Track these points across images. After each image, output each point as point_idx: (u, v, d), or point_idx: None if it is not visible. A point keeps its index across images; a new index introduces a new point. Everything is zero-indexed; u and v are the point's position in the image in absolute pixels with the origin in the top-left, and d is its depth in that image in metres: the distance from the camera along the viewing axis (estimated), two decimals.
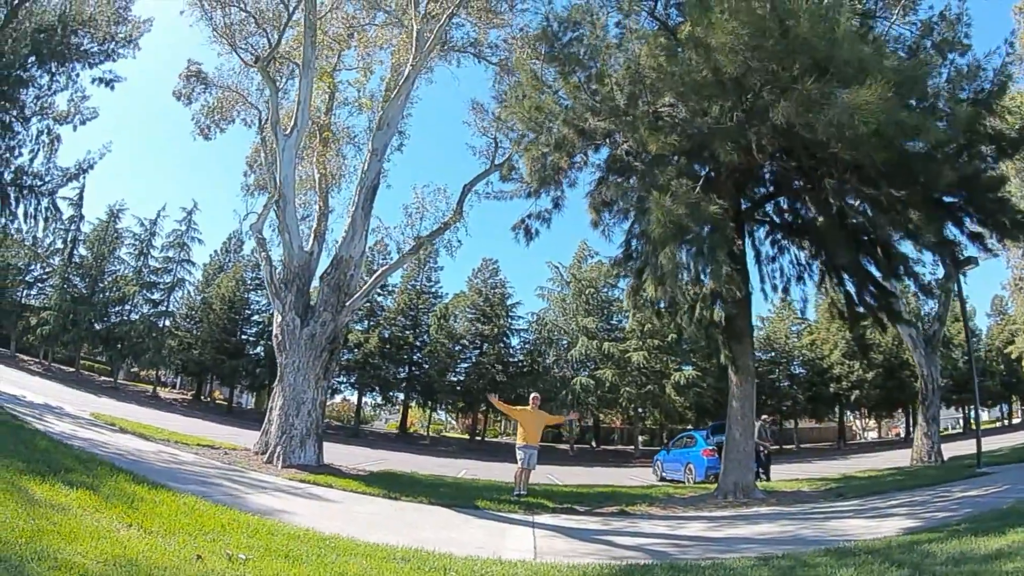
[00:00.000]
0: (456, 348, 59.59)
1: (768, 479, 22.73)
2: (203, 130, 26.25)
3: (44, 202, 32.37)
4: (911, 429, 49.07)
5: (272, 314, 21.86)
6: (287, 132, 20.66)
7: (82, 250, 64.95)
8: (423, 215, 22.85)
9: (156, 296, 65.86)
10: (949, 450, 28.93)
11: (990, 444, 29.15)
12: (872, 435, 76.46)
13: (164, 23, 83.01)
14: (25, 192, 31.49)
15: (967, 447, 29.51)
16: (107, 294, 64.91)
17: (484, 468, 31.05)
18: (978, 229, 17.03)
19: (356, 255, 20.60)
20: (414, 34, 21.45)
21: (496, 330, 58.80)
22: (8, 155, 30.76)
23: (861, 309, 19.83)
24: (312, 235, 22.69)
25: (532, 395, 17.33)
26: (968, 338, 24.57)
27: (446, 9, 21.35)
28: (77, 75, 32.29)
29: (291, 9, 21.26)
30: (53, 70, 31.19)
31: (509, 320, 60.67)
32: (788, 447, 56.80)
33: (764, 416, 25.33)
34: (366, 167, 21.06)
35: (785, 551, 8.95)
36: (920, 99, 15.17)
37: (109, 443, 15.33)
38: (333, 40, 25.25)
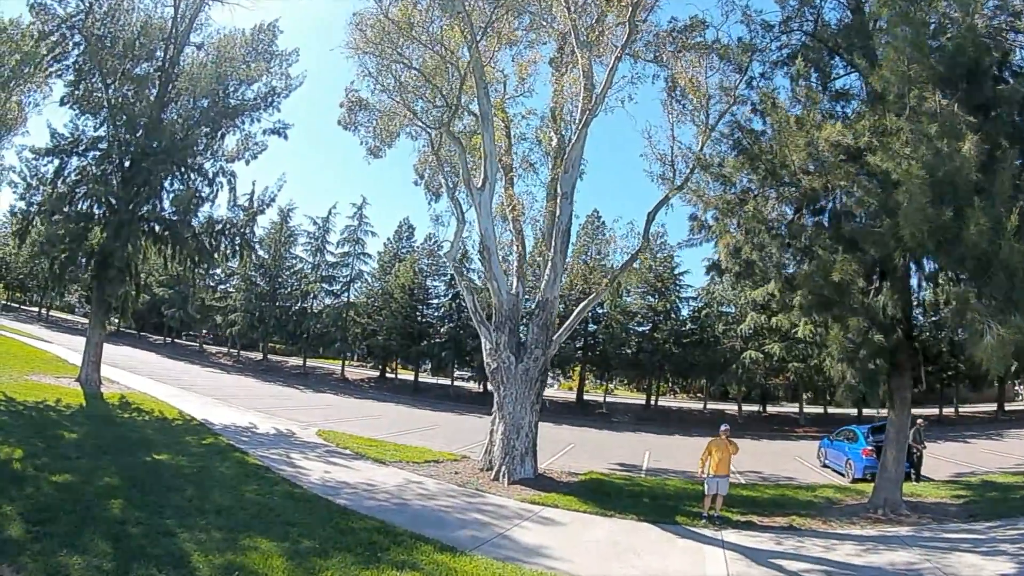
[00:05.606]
0: (630, 323, 60.21)
1: (918, 480, 23.93)
2: (372, 150, 27.63)
3: (237, 241, 34.13)
4: None
5: (471, 324, 23.74)
6: (480, 186, 22.49)
7: (259, 250, 68.87)
8: (615, 248, 24.52)
9: (336, 288, 70.25)
10: None
11: None
12: None
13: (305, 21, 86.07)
14: (218, 236, 33.56)
15: None
16: (289, 290, 69.94)
17: (663, 448, 35.01)
18: None
19: (557, 295, 22.74)
20: (582, 76, 22.91)
21: (667, 305, 59.02)
22: (197, 207, 32.89)
23: None
24: (516, 276, 24.43)
25: (723, 427, 18.04)
26: None
27: (614, 50, 22.71)
28: (243, 123, 33.77)
29: (462, 72, 22.86)
30: (223, 127, 33.10)
31: (678, 289, 60.63)
32: (947, 412, 54.85)
33: (919, 420, 25.80)
34: (559, 211, 22.54)
35: None
36: None
37: (364, 485, 17.67)
38: (499, 72, 26.49)
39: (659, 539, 15.16)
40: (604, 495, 19.37)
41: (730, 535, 15.62)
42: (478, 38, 21.56)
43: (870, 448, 25.39)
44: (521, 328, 23.20)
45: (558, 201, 22.83)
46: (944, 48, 16.44)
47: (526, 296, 23.59)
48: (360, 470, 19.97)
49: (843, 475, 27.06)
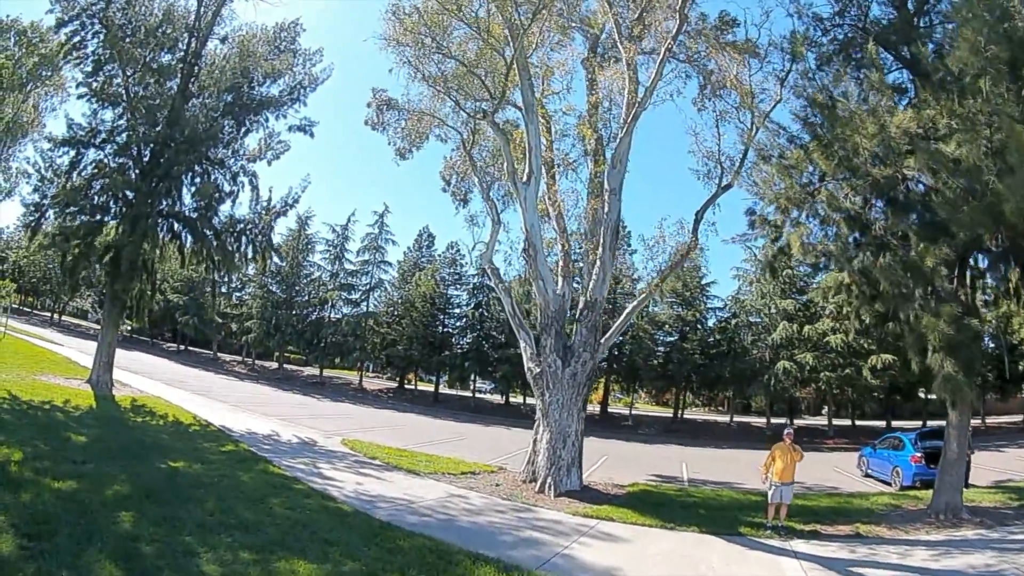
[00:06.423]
0: (657, 333, 58.91)
1: (966, 486, 22.65)
2: (400, 151, 26.43)
3: (258, 241, 32.91)
4: None
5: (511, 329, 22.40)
6: (525, 180, 21.18)
7: (277, 257, 67.72)
8: (664, 248, 23.15)
9: (355, 297, 68.98)
10: None
11: None
12: None
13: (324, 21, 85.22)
14: (239, 237, 32.28)
15: None
16: (306, 298, 68.89)
17: (699, 460, 34.84)
18: None
19: (605, 294, 21.47)
20: (627, 70, 21.89)
21: (696, 315, 57.67)
22: (218, 204, 31.61)
23: None
24: (560, 276, 22.73)
25: (787, 431, 17.30)
26: None
27: (663, 43, 21.48)
28: (267, 120, 32.67)
29: (508, 62, 21.22)
30: (246, 123, 32.01)
31: (705, 299, 59.32)
32: (974, 422, 53.31)
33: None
34: (607, 208, 21.26)
35: None
36: None
37: (403, 499, 16.31)
38: (537, 68, 25.09)
39: (729, 551, 14.39)
40: (657, 506, 18.53)
41: (799, 545, 15.02)
42: (526, 26, 20.31)
43: (919, 455, 24.90)
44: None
45: (606, 197, 21.61)
46: (1012, 35, 15.79)
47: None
48: (395, 482, 18.66)
49: (889, 484, 26.48)
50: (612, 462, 30.25)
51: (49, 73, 31.56)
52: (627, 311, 22.88)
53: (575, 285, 23.62)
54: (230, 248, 31.71)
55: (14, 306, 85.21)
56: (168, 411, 25.31)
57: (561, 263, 23.06)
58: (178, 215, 30.46)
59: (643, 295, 23.58)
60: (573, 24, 24.78)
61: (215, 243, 30.63)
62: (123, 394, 28.10)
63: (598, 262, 21.33)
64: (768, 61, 22.16)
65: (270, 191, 52.47)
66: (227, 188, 31.71)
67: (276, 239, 52.89)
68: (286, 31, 33.20)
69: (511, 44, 20.65)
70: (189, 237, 30.72)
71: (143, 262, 29.53)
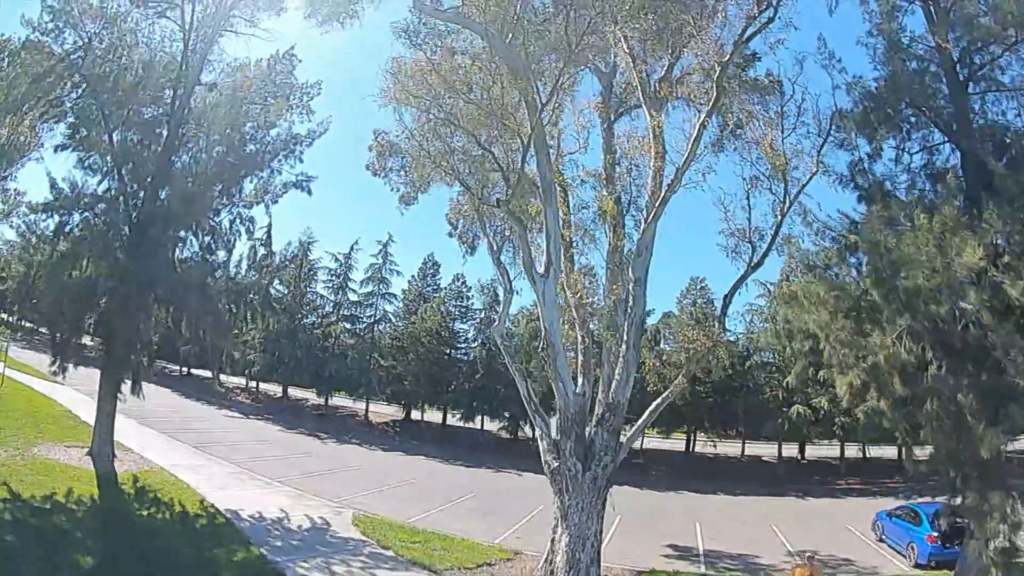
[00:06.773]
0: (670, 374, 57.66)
1: None
2: (404, 198, 25.22)
3: (256, 302, 32.42)
4: None
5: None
6: (543, 272, 20.00)
7: (277, 285, 66.90)
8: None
9: (359, 328, 68.15)
10: None
11: None
12: None
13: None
14: (237, 301, 31.69)
15: None
16: (309, 328, 68.01)
17: (713, 518, 34.46)
18: None
19: (628, 396, 20.50)
20: (652, 140, 20.69)
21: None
22: (213, 272, 31.12)
23: None
24: (580, 373, 21.90)
25: (807, 554, 17.48)
26: None
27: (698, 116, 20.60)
28: (261, 173, 31.64)
29: (525, 142, 19.29)
30: (239, 180, 31.07)
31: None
32: None
33: None
34: (631, 301, 20.31)
35: None
36: None
37: None
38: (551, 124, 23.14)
39: None
40: None
41: None
42: (544, 101, 18.94)
43: (935, 535, 24.92)
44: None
45: (630, 288, 20.67)
46: None
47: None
48: None
49: (904, 555, 26.71)
50: (625, 526, 29.66)
51: (44, 95, 30.89)
52: (648, 411, 21.96)
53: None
54: (228, 319, 31.38)
55: (15, 319, 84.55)
56: (173, 494, 24.63)
57: (581, 359, 22.18)
58: (172, 286, 29.26)
59: (667, 391, 22.35)
60: (588, 61, 22.42)
61: (211, 320, 29.82)
62: (125, 469, 27.29)
63: (621, 360, 20.35)
64: (803, 121, 21.46)
65: (268, 225, 51.55)
66: (221, 256, 31.44)
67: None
68: (281, 63, 32.11)
69: (528, 120, 19.23)
70: (183, 312, 30.21)
71: (136, 341, 28.71)
